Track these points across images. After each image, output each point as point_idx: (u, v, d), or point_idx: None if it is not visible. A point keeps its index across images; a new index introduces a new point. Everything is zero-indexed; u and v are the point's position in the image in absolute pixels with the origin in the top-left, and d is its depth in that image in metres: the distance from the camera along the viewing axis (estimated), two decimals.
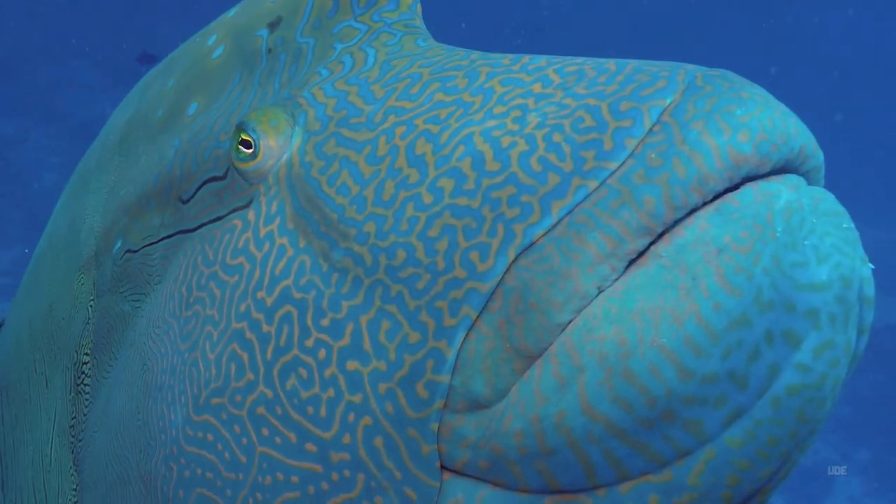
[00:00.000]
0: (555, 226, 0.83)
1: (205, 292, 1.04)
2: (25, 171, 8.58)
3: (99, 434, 1.21)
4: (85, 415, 1.27)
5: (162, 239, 1.16)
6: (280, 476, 0.94)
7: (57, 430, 1.34)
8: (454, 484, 0.87)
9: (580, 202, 0.83)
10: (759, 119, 0.83)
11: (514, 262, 0.83)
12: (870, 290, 0.83)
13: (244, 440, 0.96)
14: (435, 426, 0.86)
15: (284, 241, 0.98)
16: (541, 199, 0.84)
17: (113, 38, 10.40)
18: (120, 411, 1.16)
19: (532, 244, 0.83)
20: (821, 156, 0.89)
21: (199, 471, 0.99)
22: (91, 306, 1.30)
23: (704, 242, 0.80)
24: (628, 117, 0.84)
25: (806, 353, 0.78)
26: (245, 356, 0.97)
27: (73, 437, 1.30)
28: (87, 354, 1.29)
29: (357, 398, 0.89)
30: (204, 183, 1.11)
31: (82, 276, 1.33)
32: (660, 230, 0.81)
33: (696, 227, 0.80)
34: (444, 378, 0.85)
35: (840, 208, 0.84)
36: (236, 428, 0.96)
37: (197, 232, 1.10)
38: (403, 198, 0.90)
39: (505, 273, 0.84)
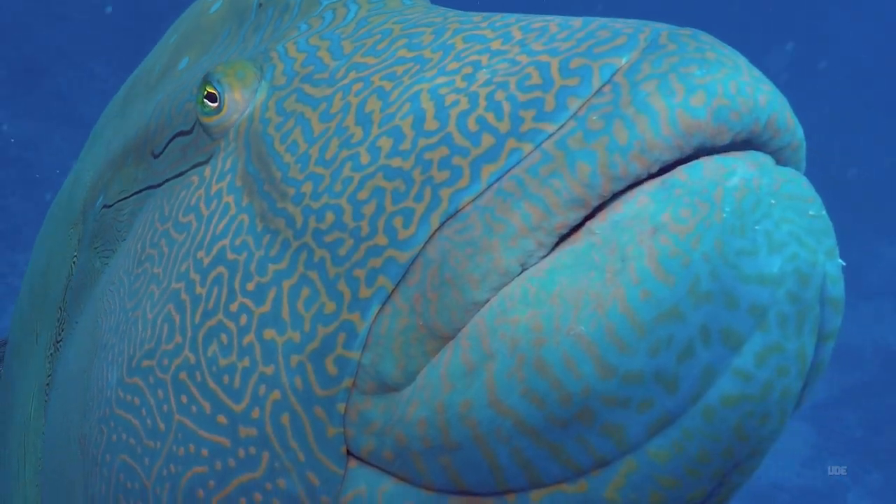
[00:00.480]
0: (483, 192, 0.75)
1: (156, 250, 1.00)
2: (46, 174, 8.63)
3: (56, 392, 1.20)
4: (56, 372, 1.26)
5: (133, 194, 1.14)
6: (192, 448, 0.89)
7: (36, 389, 1.33)
8: (358, 473, 0.80)
9: (512, 167, 0.75)
10: (720, 82, 0.74)
11: (437, 230, 0.76)
12: (836, 290, 0.73)
13: (165, 407, 0.92)
14: (342, 407, 0.80)
15: (230, 199, 0.93)
16: (472, 163, 0.76)
17: (136, 42, 10.47)
18: (71, 369, 1.14)
19: (458, 212, 0.76)
20: (798, 133, 0.80)
21: (124, 436, 0.96)
22: (74, 262, 1.29)
23: (640, 220, 0.71)
24: (576, 75, 0.76)
25: (747, 357, 0.69)
26: (177, 318, 0.92)
27: (46, 395, 1.29)
28: (66, 312, 1.28)
29: (269, 370, 0.84)
30: (173, 137, 1.08)
31: (72, 231, 1.33)
32: (596, 203, 0.73)
33: (635, 203, 0.72)
34: (355, 354, 0.79)
35: (809, 193, 0.74)
36: (160, 393, 0.92)
37: (161, 188, 1.07)
38: (344, 157, 0.84)
39: (427, 242, 0.76)
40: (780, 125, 0.77)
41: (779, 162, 0.78)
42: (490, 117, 0.78)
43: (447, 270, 0.75)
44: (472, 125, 0.78)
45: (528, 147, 0.75)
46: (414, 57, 0.88)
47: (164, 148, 1.09)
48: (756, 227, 0.70)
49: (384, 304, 0.78)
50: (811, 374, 0.74)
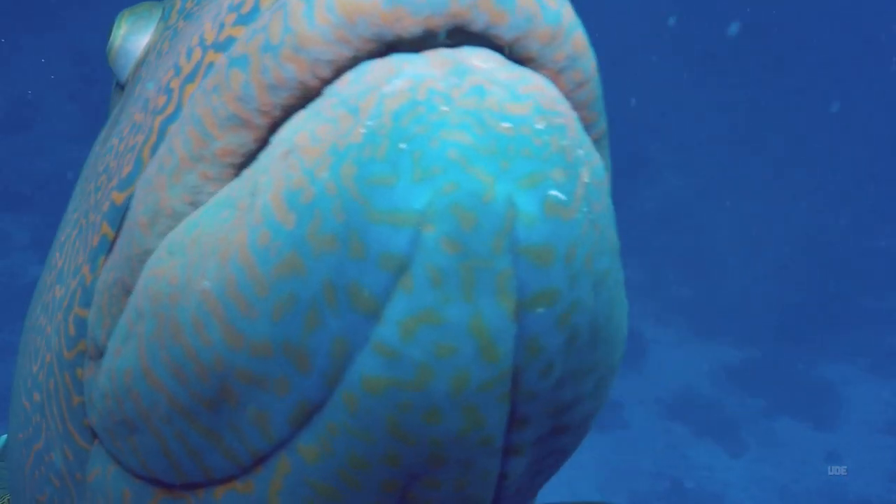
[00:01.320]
0: (180, 118, 0.63)
1: (71, 205, 0.93)
2: None
3: None
4: None
5: None
6: (22, 413, 0.83)
7: None
8: (98, 451, 0.70)
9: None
10: None
11: (147, 167, 0.66)
12: (537, 234, 0.52)
13: (27, 361, 0.86)
14: (80, 372, 0.71)
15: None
16: (182, 83, 0.65)
17: None
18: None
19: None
20: (548, 17, 0.59)
21: (20, 389, 0.89)
22: None
23: (281, 142, 0.57)
24: None
25: (389, 327, 0.53)
26: (47, 274, 0.87)
27: None
28: None
29: (49, 329, 0.77)
30: (115, 88, 1.00)
31: None
32: (261, 122, 0.59)
33: (292, 121, 0.58)
34: (84, 312, 0.70)
35: (526, 98, 0.54)
36: (28, 354, 0.87)
37: None
38: (140, 94, 0.76)
39: (138, 180, 0.66)
40: (503, 5, 0.57)
41: (524, 61, 0.60)
42: (207, 28, 0.66)
43: (130, 214, 0.66)
44: (194, 40, 0.67)
45: (220, 59, 0.63)
46: None
47: (111, 104, 1.06)
48: (401, 147, 0.52)
49: (107, 254, 0.69)
50: (524, 355, 0.54)
